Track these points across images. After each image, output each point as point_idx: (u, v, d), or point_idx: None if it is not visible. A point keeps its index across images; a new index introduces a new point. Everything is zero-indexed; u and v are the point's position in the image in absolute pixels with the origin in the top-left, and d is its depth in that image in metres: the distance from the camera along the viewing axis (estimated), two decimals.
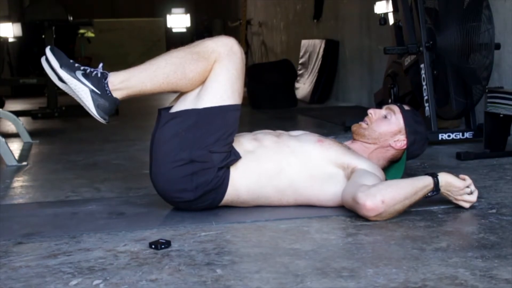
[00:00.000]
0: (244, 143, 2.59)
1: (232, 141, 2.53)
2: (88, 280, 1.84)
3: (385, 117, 2.73)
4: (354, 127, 2.76)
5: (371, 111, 2.76)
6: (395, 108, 2.75)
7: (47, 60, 2.45)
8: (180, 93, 2.58)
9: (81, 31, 13.45)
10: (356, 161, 2.54)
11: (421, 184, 2.39)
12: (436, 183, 2.40)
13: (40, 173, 3.77)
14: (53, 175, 3.64)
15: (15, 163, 3.95)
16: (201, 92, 2.51)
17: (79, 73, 2.44)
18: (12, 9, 10.63)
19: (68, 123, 6.64)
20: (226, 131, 2.49)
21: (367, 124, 2.73)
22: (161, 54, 2.55)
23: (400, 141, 2.70)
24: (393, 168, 2.77)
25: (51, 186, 3.30)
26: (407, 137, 2.71)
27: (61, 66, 2.43)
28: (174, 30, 13.72)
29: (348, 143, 2.78)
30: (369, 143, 2.71)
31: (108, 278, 1.85)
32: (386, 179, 2.58)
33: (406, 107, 2.77)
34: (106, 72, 2.47)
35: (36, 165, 4.03)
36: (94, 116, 2.46)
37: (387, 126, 2.71)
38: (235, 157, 2.52)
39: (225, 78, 2.50)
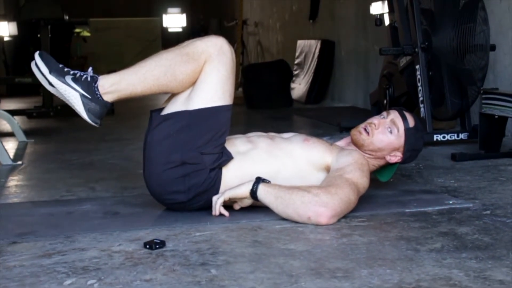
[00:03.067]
0: (237, 145, 2.59)
1: (224, 142, 2.53)
2: (82, 279, 1.84)
3: (390, 132, 2.67)
4: (355, 136, 2.68)
5: (375, 122, 2.68)
6: (400, 125, 2.67)
7: (36, 65, 2.45)
8: (172, 94, 2.58)
9: (77, 30, 13.42)
10: (333, 160, 2.55)
11: (275, 193, 2.38)
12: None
13: (35, 172, 3.77)
14: (48, 175, 3.64)
15: (10, 162, 3.94)
16: (192, 93, 2.51)
17: (68, 78, 2.44)
18: (8, 7, 10.62)
19: (63, 122, 6.63)
20: (217, 132, 2.49)
21: (367, 133, 2.66)
22: (151, 56, 2.54)
23: (396, 156, 2.69)
24: (383, 170, 2.78)
25: (46, 186, 3.30)
26: (404, 154, 2.69)
27: (50, 72, 2.43)
28: (170, 30, 13.73)
29: (343, 142, 2.77)
30: (365, 152, 2.68)
31: (102, 278, 1.85)
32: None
33: (411, 123, 2.68)
34: (96, 75, 2.47)
35: (31, 164, 4.03)
36: (86, 120, 2.47)
37: (387, 142, 2.66)
38: (227, 157, 2.52)
39: (216, 79, 2.49)
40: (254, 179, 2.43)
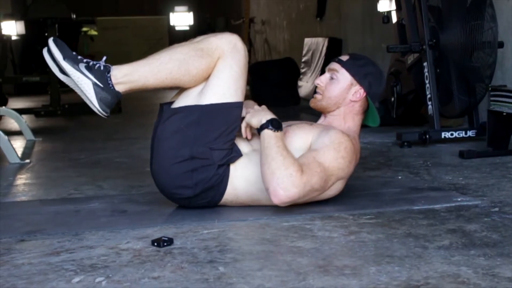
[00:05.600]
0: (241, 144, 2.58)
1: (234, 139, 2.53)
2: (90, 277, 1.84)
3: (332, 78, 2.67)
4: (312, 104, 2.71)
5: (317, 82, 2.70)
6: (335, 65, 2.68)
7: (49, 51, 2.45)
8: (182, 88, 2.57)
9: (84, 29, 13.44)
10: (313, 139, 2.53)
11: (268, 143, 2.40)
12: (269, 125, 2.44)
13: (42, 171, 3.77)
14: (56, 173, 3.64)
15: (18, 160, 3.95)
16: (204, 88, 2.51)
17: (82, 66, 2.43)
18: (15, 7, 10.63)
19: (71, 121, 6.64)
20: (228, 128, 2.49)
21: (320, 94, 2.68)
22: (165, 49, 2.54)
23: (357, 92, 2.65)
24: (368, 116, 2.73)
25: (54, 184, 3.30)
26: (361, 84, 2.65)
27: (64, 58, 2.42)
28: (177, 28, 13.73)
29: (321, 120, 2.74)
30: (334, 110, 2.67)
31: (110, 275, 1.85)
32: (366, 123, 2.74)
33: (344, 58, 2.69)
34: (109, 65, 2.47)
35: (39, 163, 4.04)
36: (95, 110, 2.46)
37: (337, 85, 2.65)
38: (236, 154, 2.52)
39: (228, 76, 2.50)
40: (269, 117, 2.47)
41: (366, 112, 2.71)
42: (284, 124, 2.65)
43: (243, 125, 2.54)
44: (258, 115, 2.50)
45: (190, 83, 2.51)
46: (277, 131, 2.43)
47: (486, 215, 2.39)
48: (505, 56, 4.37)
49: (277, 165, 2.35)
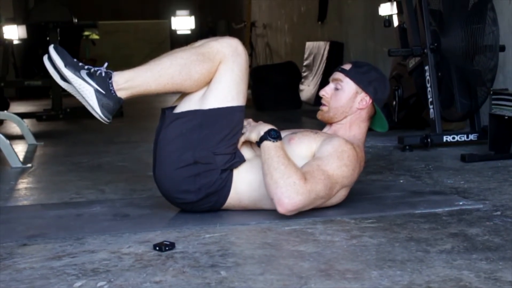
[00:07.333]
0: (245, 150, 2.58)
1: (237, 142, 2.53)
2: (92, 281, 1.84)
3: (336, 89, 2.67)
4: (319, 116, 2.72)
5: (322, 93, 2.70)
6: (338, 74, 2.68)
7: (50, 59, 2.45)
8: (184, 93, 2.57)
9: (86, 33, 13.46)
10: (317, 147, 2.53)
11: (268, 154, 2.42)
12: (267, 137, 2.45)
13: (44, 175, 3.78)
14: (58, 177, 3.65)
15: (19, 165, 3.96)
16: (206, 93, 2.51)
17: (83, 73, 2.43)
18: (17, 11, 10.65)
19: (72, 125, 6.65)
20: (230, 132, 2.50)
21: (326, 106, 2.68)
22: (166, 54, 2.55)
23: (363, 99, 2.65)
24: (376, 122, 2.74)
25: (56, 188, 3.30)
26: (366, 91, 2.65)
27: (65, 65, 2.42)
28: (178, 32, 13.73)
29: (326, 129, 2.75)
30: (341, 120, 2.67)
31: (112, 280, 1.85)
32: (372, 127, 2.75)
33: (347, 67, 2.69)
34: (110, 71, 2.47)
35: (41, 167, 4.04)
36: (97, 116, 2.46)
37: (343, 95, 2.65)
38: (239, 159, 2.52)
39: (230, 79, 2.50)
40: (267, 128, 2.48)
41: (372, 117, 2.72)
42: (289, 132, 2.67)
43: (241, 139, 2.55)
44: (256, 129, 2.51)
45: (191, 88, 2.51)
46: (276, 141, 2.44)
47: (488, 219, 2.39)
48: (507, 59, 4.37)
49: (280, 174, 2.35)
